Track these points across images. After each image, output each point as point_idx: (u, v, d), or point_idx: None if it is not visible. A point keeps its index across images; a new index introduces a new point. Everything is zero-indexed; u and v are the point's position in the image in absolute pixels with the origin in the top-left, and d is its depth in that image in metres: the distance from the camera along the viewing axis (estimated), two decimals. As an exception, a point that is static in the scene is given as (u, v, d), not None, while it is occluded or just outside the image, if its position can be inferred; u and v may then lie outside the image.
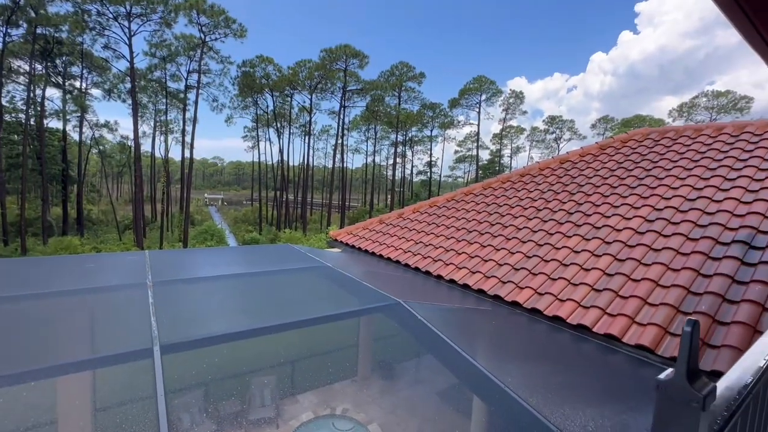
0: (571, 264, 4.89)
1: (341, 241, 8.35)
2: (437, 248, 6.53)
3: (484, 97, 51.47)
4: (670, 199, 5.49)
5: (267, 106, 49.35)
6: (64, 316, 3.93)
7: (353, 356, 7.99)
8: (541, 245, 5.53)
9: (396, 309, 3.80)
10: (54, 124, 38.72)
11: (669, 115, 47.06)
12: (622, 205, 5.77)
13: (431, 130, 57.72)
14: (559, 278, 4.73)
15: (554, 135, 56.16)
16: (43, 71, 34.92)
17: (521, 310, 4.58)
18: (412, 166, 64.53)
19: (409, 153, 61.93)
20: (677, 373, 0.42)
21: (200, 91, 39.96)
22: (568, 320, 4.09)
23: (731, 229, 4.51)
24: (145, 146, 46.37)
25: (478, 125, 53.64)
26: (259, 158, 54.89)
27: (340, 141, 49.43)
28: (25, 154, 33.19)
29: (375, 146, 61.39)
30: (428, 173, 62.17)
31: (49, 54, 34.03)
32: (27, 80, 33.88)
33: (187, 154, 39.81)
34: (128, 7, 31.96)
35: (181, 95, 40.27)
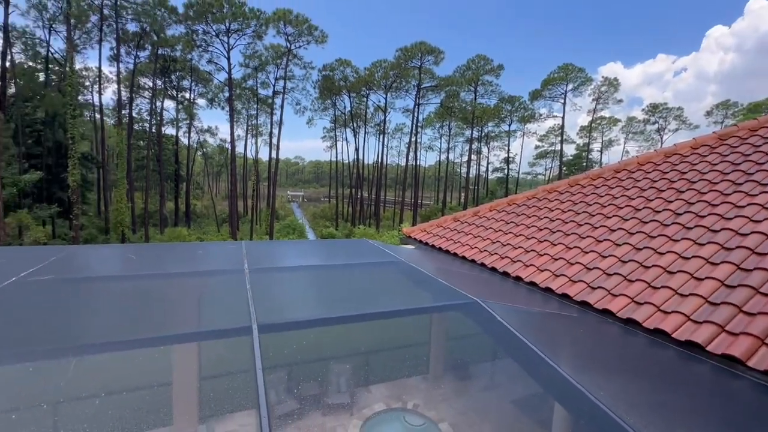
0: (679, 272, 4.28)
1: (415, 238, 8.40)
2: (516, 248, 6.21)
3: (570, 86, 47.27)
4: (819, 198, 4.49)
5: (344, 107, 51.54)
6: (177, 294, 4.59)
7: (426, 353, 7.99)
8: (640, 249, 4.93)
9: (473, 308, 3.71)
10: (168, 131, 45.29)
11: (817, 96, 38.20)
12: (749, 205, 4.87)
13: (509, 125, 54.88)
14: (663, 287, 4.17)
15: (656, 125, 49.41)
16: (162, 86, 40.98)
17: (613, 319, 4.15)
18: (488, 163, 62.07)
19: (484, 149, 59.70)
20: None
21: (285, 96, 43.29)
22: (673, 335, 3.59)
23: None
24: (239, 148, 51.74)
25: (563, 118, 49.47)
26: (337, 157, 57.64)
27: (413, 139, 49.56)
28: (148, 156, 39.33)
29: (449, 143, 60.37)
30: (505, 170, 59.22)
31: (167, 71, 39.79)
32: (150, 94, 40.12)
33: (273, 154, 43.47)
34: (227, 24, 35.86)
35: (269, 101, 44.05)
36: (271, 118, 44.21)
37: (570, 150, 55.02)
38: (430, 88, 47.73)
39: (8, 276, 4.03)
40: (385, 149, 54.21)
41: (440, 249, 7.43)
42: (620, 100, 49.42)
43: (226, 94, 40.12)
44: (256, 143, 49.53)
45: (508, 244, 6.44)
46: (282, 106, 42.80)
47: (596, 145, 54.78)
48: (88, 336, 2.99)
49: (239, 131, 49.07)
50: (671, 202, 5.63)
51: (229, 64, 37.44)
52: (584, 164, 52.79)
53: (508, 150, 58.12)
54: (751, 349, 3.17)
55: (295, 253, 7.24)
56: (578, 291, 4.70)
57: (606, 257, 5.06)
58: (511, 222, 7.15)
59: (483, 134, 55.79)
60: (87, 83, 40.95)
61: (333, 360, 7.53)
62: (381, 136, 52.36)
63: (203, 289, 4.64)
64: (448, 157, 62.85)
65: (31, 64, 33.86)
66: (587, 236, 5.69)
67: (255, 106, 45.86)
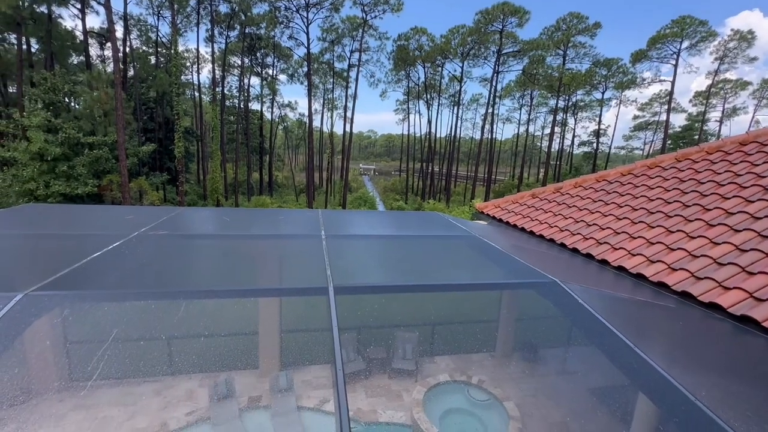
0: (822, 266, 3.52)
1: (488, 214, 8.09)
2: (603, 229, 5.65)
3: (686, 44, 39.91)
4: None
5: (418, 78, 50.29)
6: (264, 253, 5.06)
7: (494, 330, 7.85)
8: (766, 237, 4.13)
9: (550, 288, 3.49)
10: (254, 106, 48.84)
11: None
12: None
13: (603, 93, 48.75)
14: (796, 283, 3.48)
15: (803, 88, 39.94)
16: (249, 64, 43.93)
17: (723, 315, 3.60)
18: (574, 136, 56.40)
19: (570, 121, 54.20)
20: None
21: (360, 68, 43.52)
22: (805, 339, 3.01)
23: None
24: (316, 122, 54.00)
25: (673, 82, 42.30)
26: (409, 130, 57.10)
27: (490, 110, 46.79)
28: (237, 131, 43.06)
29: (530, 114, 55.95)
30: (594, 144, 53.33)
31: (253, 49, 42.43)
32: (239, 72, 43.34)
33: (347, 128, 44.58)
34: (307, -1, 36.70)
35: (345, 74, 44.75)
36: (346, 92, 45.02)
37: (678, 121, 47.43)
38: (512, 53, 44.05)
39: (134, 230, 4.82)
40: (459, 121, 52.13)
41: (515, 226, 7.07)
42: (754, 58, 40.50)
43: (305, 69, 41.66)
44: (331, 117, 51.17)
45: (594, 224, 5.88)
46: (357, 79, 43.22)
47: (715, 114, 46.31)
48: (194, 283, 3.49)
49: (316, 105, 51.03)
50: (819, 181, 4.58)
51: (308, 39, 38.57)
52: (696, 137, 45.16)
53: (599, 121, 51.99)
54: None
55: (367, 222, 7.47)
56: (679, 280, 4.15)
57: (719, 244, 4.35)
58: (599, 200, 6.48)
59: (570, 104, 50.48)
60: (187, 64, 45.59)
61: (400, 327, 7.79)
62: (455, 108, 50.35)
63: (285, 251, 5.06)
64: (528, 130, 58.46)
65: (144, 48, 38.63)
66: (696, 219, 4.93)
67: (331, 80, 47.01)
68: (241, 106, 45.18)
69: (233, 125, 45.48)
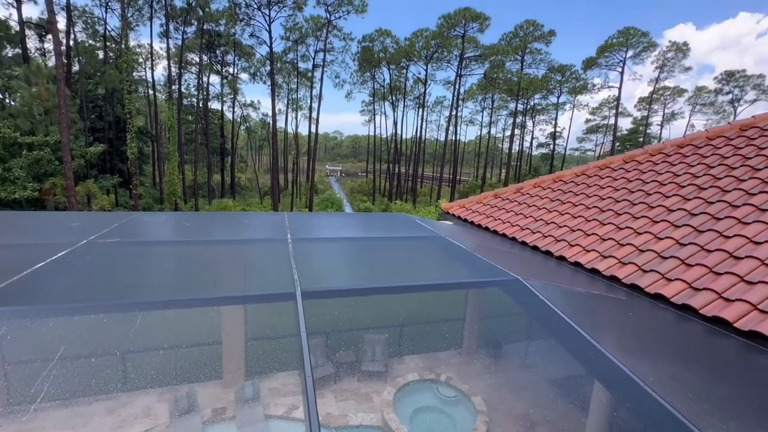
0: (747, 257, 3.91)
1: (453, 214, 8.27)
2: (561, 227, 5.95)
3: (630, 53, 42.99)
4: None
5: (383, 80, 50.56)
6: (227, 259, 4.88)
7: (461, 328, 8.04)
8: (703, 232, 4.54)
9: (513, 285, 3.63)
10: (214, 105, 47.00)
11: None
12: (841, 185, 4.29)
13: (558, 97, 51.41)
14: (727, 273, 3.84)
15: (730, 96, 44.18)
16: (208, 61, 42.21)
17: (667, 304, 3.91)
18: (532, 138, 59.00)
19: (529, 123, 56.66)
20: None
21: (325, 69, 43.08)
22: (735, 324, 3.33)
23: None
24: (280, 122, 52.95)
25: (620, 88, 45.39)
26: (375, 131, 57.26)
27: (454, 112, 47.93)
28: (196, 131, 41.23)
29: (491, 117, 57.89)
30: (551, 146, 56.09)
31: (212, 46, 40.81)
32: (197, 70, 41.53)
33: (312, 128, 43.96)
34: (269, -4, 35.83)
35: (309, 74, 44.12)
36: (311, 92, 44.42)
37: (625, 124, 50.91)
38: (474, 57, 45.41)
39: (81, 237, 4.47)
40: (424, 123, 52.99)
41: (479, 225, 7.28)
42: (688, 68, 44.37)
43: (268, 68, 40.65)
44: (296, 117, 50.29)
45: (552, 222, 6.18)
46: (321, 80, 42.76)
47: (656, 119, 50.18)
48: (150, 293, 3.29)
49: (280, 105, 49.96)
50: (744, 180, 5.08)
51: (270, 38, 37.67)
52: (641, 139, 48.69)
53: (555, 124, 54.77)
54: (829, 344, 2.87)
55: (334, 224, 7.40)
56: (628, 273, 4.45)
57: (662, 239, 4.72)
58: (557, 200, 6.82)
59: (528, 107, 52.78)
60: (140, 60, 43.04)
61: (369, 329, 7.78)
62: (420, 110, 51.13)
63: (250, 256, 4.90)
64: (489, 132, 60.45)
65: (91, 42, 36.04)
66: (641, 216, 5.31)
67: (295, 80, 46.19)
68: (200, 105, 43.31)
69: (192, 125, 43.51)
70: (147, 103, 44.68)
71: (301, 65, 44.25)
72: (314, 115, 43.36)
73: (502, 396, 6.72)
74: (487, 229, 7.07)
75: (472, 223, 7.57)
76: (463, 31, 42.54)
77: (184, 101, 42.23)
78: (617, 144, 48.08)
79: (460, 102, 50.20)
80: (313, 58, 43.07)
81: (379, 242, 5.71)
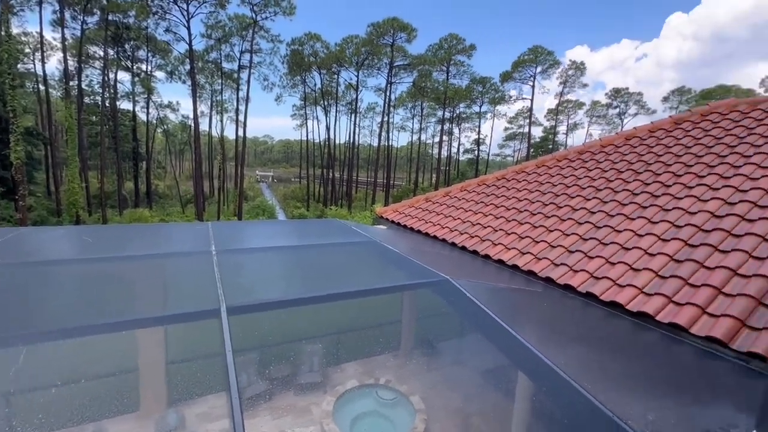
0: (634, 248, 4.56)
1: (387, 219, 8.43)
2: (485, 228, 6.38)
3: (539, 69, 48.01)
4: (758, 179, 4.86)
5: (315, 84, 49.93)
6: (141, 277, 4.39)
7: (398, 330, 8.18)
8: (600, 227, 5.19)
9: (443, 285, 3.80)
10: (125, 105, 42.29)
11: (761, 85, 41.09)
12: (698, 185, 5.22)
13: (480, 106, 55.35)
14: (619, 262, 4.44)
15: (618, 109, 51.46)
16: (115, 56, 37.86)
17: (574, 293, 4.39)
18: (459, 144, 62.74)
19: (456, 130, 60.14)
20: None
21: (252, 70, 41.24)
22: (627, 307, 3.86)
23: (835, 215, 3.93)
24: (203, 125, 49.33)
25: (532, 100, 50.41)
26: (307, 136, 56.19)
27: (385, 118, 49.03)
28: (102, 133, 36.64)
29: (421, 124, 60.25)
30: (476, 151, 60.13)
31: (120, 39, 36.72)
32: (102, 65, 37.01)
33: (240, 132, 41.74)
34: (186, -10, 33.32)
35: (235, 75, 41.88)
36: (237, 94, 42.20)
37: (538, 132, 56.53)
38: (403, 66, 47.01)
39: (-56, 261, 3.68)
40: (357, 129, 53.39)
41: (412, 229, 7.50)
42: (585, 84, 50.94)
43: (187, 67, 37.73)
44: (221, 120, 47.25)
45: (478, 223, 6.59)
46: (248, 82, 40.82)
47: (562, 128, 56.54)
48: (38, 323, 2.80)
49: (203, 107, 46.60)
50: (629, 182, 5.93)
51: (190, 34, 35.05)
52: (551, 146, 54.42)
53: (479, 131, 58.88)
54: (693, 318, 3.46)
55: (265, 233, 7.09)
56: (543, 267, 4.91)
57: (569, 235, 5.30)
58: (481, 202, 7.30)
59: (455, 115, 56.02)
60: (27, 50, 37.09)
61: (305, 340, 7.56)
62: (353, 115, 51.43)
63: (168, 272, 4.47)
64: (420, 138, 62.88)
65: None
66: (552, 215, 5.92)
67: (219, 80, 43.48)
68: (107, 105, 38.63)
69: (97, 126, 38.55)
70: (38, 101, 38.63)
71: (226, 66, 41.88)
72: (241, 118, 41.25)
73: (438, 393, 6.96)
74: (419, 232, 7.32)
75: (405, 226, 7.78)
76: (392, 40, 43.84)
77: (87, 99, 37.35)
78: (531, 150, 53.20)
79: (392, 108, 51.55)
80: (239, 59, 41.00)
81: (313, 250, 5.60)
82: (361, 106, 56.25)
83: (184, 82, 41.37)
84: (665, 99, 48.55)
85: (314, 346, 7.38)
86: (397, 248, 5.44)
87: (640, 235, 4.72)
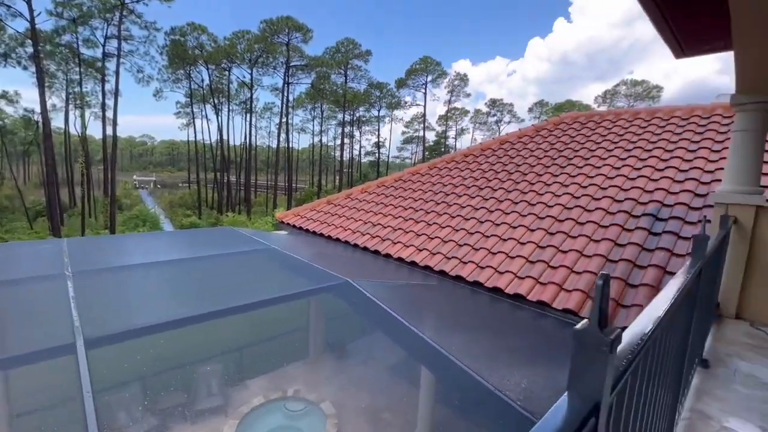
0: (509, 239, 5.23)
1: (288, 223, 8.13)
2: (385, 228, 6.61)
3: (429, 78, 51.97)
4: (593, 177, 6.03)
5: (202, 80, 45.52)
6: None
7: (303, 338, 7.95)
8: (483, 222, 5.83)
9: (344, 288, 3.82)
10: (-68, 92, 32.53)
11: (595, 101, 51.21)
12: (553, 183, 6.24)
13: (379, 111, 57.40)
14: (499, 252, 5.04)
15: (495, 117, 58.65)
16: None
17: (464, 283, 4.84)
18: (360, 147, 64.05)
19: (357, 133, 61.25)
20: (591, 323, 0.46)
21: (122, 60, 35.66)
22: (506, 290, 4.40)
23: (642, 203, 5.09)
24: (57, 121, 40.90)
25: (424, 106, 54.30)
26: (195, 137, 51.00)
27: (284, 119, 47.31)
28: None
29: (321, 126, 59.80)
30: (376, 154, 62.16)
31: None
32: None
33: (109, 131, 35.72)
34: (23, -44, 27.19)
35: (98, 64, 35.66)
36: (103, 86, 36.00)
37: (431, 136, 61.02)
38: (300, 66, 45.99)
39: None
40: (254, 129, 50.43)
41: (314, 233, 7.38)
42: (469, 94, 57.00)
43: (29, 49, 30.80)
44: (82, 116, 39.62)
45: (378, 224, 6.80)
46: (118, 72, 35.18)
47: (452, 133, 62.12)
48: None
49: (55, 100, 38.54)
50: (504, 181, 6.80)
51: (31, 10, 28.68)
52: (443, 149, 59.33)
53: (378, 134, 61.00)
54: (554, 294, 4.12)
55: (144, 247, 6.18)
56: (437, 262, 5.30)
57: (458, 230, 5.83)
58: (381, 203, 7.56)
59: (355, 118, 57.02)
60: None
61: (199, 363, 6.83)
62: (248, 115, 48.36)
63: (6, 304, 3.56)
64: (321, 140, 62.36)
65: None
66: (444, 213, 6.43)
67: (77, 69, 36.50)
68: None
69: None
70: None
71: (86, 52, 35.39)
72: (110, 114, 35.37)
73: (349, 394, 6.98)
74: (321, 235, 7.23)
75: (307, 230, 7.61)
76: (287, 39, 42.54)
77: None
78: (427, 153, 57.25)
79: (290, 109, 50.01)
80: (104, 45, 35.08)
81: (204, 262, 5.07)
82: (257, 105, 53.32)
83: (25, 68, 33.64)
84: (530, 110, 57.07)
85: (212, 366, 6.72)
86: (297, 254, 5.29)
87: (514, 227, 5.45)
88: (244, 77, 45.89)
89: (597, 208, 5.25)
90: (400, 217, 6.81)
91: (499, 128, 58.51)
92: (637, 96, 45.47)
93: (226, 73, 45.14)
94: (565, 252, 4.67)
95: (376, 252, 6.10)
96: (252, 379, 7.23)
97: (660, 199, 5.07)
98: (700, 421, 2.02)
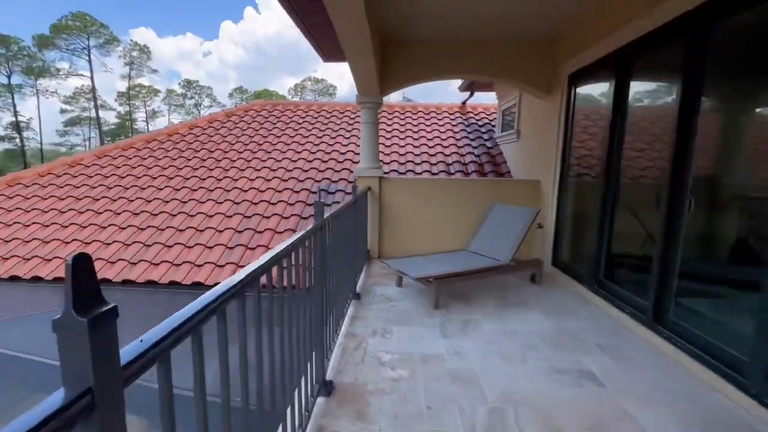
0: (207, 228, 5.01)
1: None
2: (27, 242, 4.77)
3: (94, 42, 40.52)
4: (280, 161, 6.68)
5: None
6: None
7: None
8: (175, 215, 5.28)
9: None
10: None
11: (289, 93, 56.62)
12: (247, 168, 6.44)
13: (9, 77, 39.63)
14: (197, 245, 4.74)
15: (194, 100, 53.83)
16: None
17: (158, 287, 4.26)
18: (-19, 129, 42.35)
19: (-34, 107, 39.91)
20: (65, 311, 0.44)
21: None
22: (206, 282, 4.22)
23: (318, 181, 6.13)
24: None
25: (92, 78, 42.21)
26: None
27: None
28: None
29: None
30: (18, 139, 43.15)
31: None
32: None
33: None
34: None
35: None
36: None
37: (111, 117, 48.76)
38: None
39: None
40: None
41: None
42: (156, 70, 48.93)
43: None
44: None
45: (13, 238, 4.80)
46: None
47: (141, 114, 51.97)
48: None
49: None
50: (197, 169, 6.37)
51: None
52: (130, 134, 48.83)
53: (15, 112, 42.37)
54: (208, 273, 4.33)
55: None
56: (118, 271, 4.37)
57: (144, 229, 5.00)
58: (17, 208, 5.36)
59: (-42, 84, 36.74)
60: None
61: None
62: None
63: None
64: None
65: None
66: (123, 211, 5.33)
67: None
68: None
69: None
70: None
71: None
72: None
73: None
74: None
75: None
76: None
77: None
78: (108, 138, 45.45)
79: None
80: None
81: None
82: None
83: None
84: (231, 95, 56.14)
85: None
86: None
87: (210, 216, 5.25)
88: None
89: (285, 189, 5.87)
90: (54, 223, 5.08)
91: (199, 112, 54.25)
92: (319, 92, 53.91)
93: None
94: (261, 232, 4.97)
95: (15, 278, 4.31)
96: None
97: (329, 176, 6.28)
98: (348, 338, 2.71)
